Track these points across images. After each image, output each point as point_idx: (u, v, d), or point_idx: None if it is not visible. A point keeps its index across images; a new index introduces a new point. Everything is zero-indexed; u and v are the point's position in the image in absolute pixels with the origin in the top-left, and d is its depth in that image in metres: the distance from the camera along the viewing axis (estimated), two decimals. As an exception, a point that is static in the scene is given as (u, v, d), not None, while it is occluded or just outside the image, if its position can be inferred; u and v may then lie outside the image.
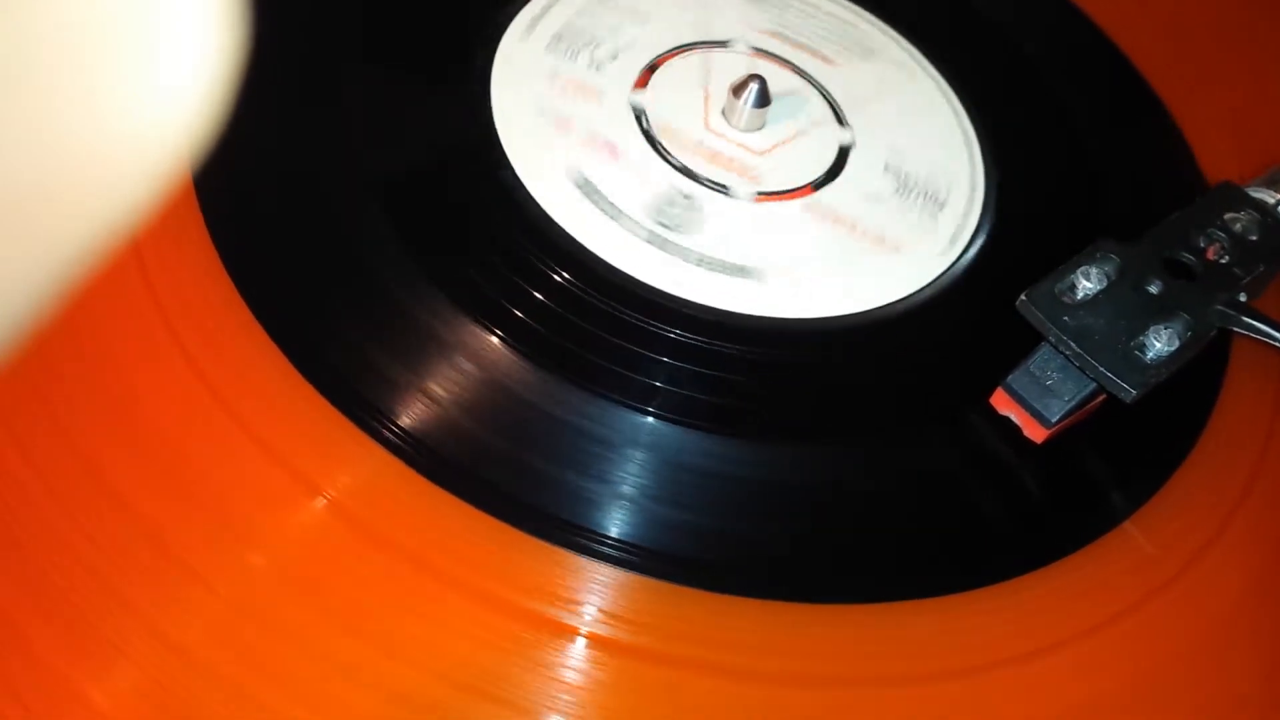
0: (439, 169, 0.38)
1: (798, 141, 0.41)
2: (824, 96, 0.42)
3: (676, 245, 0.37)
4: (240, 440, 0.31)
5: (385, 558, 0.30)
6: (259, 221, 0.36)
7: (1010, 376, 0.35)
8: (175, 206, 0.34)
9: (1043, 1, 0.50)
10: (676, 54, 0.42)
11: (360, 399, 0.32)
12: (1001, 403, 0.35)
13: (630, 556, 0.31)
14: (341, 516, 0.30)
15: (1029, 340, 0.35)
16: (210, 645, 0.28)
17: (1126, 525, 0.35)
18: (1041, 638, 0.32)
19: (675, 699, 0.30)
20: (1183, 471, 0.36)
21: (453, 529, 0.31)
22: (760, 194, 0.39)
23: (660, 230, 0.37)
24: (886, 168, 0.41)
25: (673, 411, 0.34)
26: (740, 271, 0.37)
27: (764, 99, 0.40)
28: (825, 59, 0.44)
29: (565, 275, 0.35)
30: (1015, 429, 0.35)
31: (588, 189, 0.36)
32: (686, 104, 0.41)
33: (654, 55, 0.42)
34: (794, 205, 0.39)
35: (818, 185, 0.40)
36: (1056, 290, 0.35)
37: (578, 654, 0.30)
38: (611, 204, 0.37)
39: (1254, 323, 0.36)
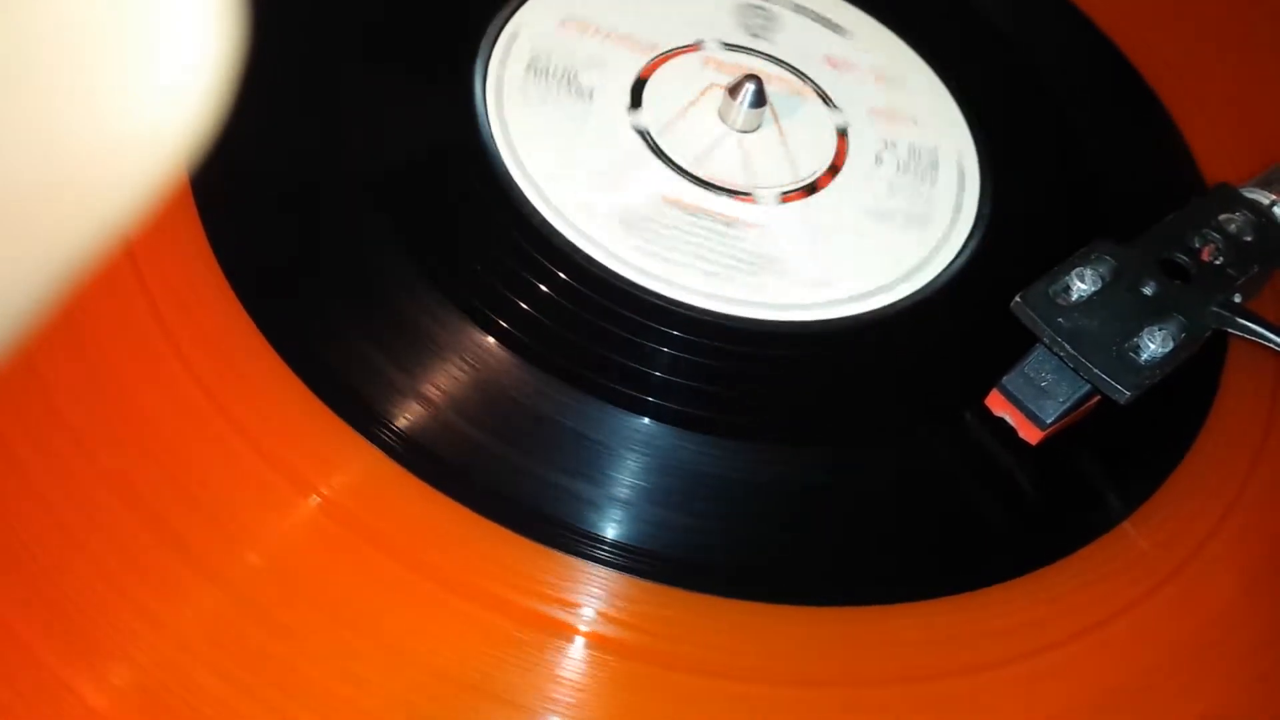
0: (436, 170, 0.38)
1: (797, 134, 0.41)
2: (814, 87, 0.43)
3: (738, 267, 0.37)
4: (236, 441, 0.31)
5: (382, 558, 0.30)
6: (255, 222, 0.36)
7: (1005, 378, 0.35)
8: (171, 207, 0.34)
9: (1041, 1, 0.50)
10: (659, 63, 0.42)
11: (357, 400, 0.32)
12: (997, 404, 0.35)
13: (627, 559, 0.31)
14: (338, 517, 0.30)
15: (1024, 342, 0.35)
16: (208, 645, 0.28)
17: (1124, 526, 0.35)
18: (1039, 638, 0.32)
19: (673, 700, 0.30)
20: (1179, 472, 0.36)
21: (449, 530, 0.31)
22: (785, 194, 0.39)
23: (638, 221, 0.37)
24: (886, 146, 0.42)
25: (669, 413, 0.34)
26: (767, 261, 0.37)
27: (760, 99, 0.40)
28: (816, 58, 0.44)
29: (561, 277, 0.35)
30: (1010, 430, 0.35)
31: (635, 223, 0.37)
32: (688, 115, 0.41)
33: (637, 71, 0.41)
34: (819, 196, 0.40)
35: (834, 171, 0.40)
36: (1051, 291, 0.35)
37: (575, 654, 0.30)
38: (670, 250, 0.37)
39: (1249, 324, 0.36)
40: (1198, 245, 0.37)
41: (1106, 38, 0.48)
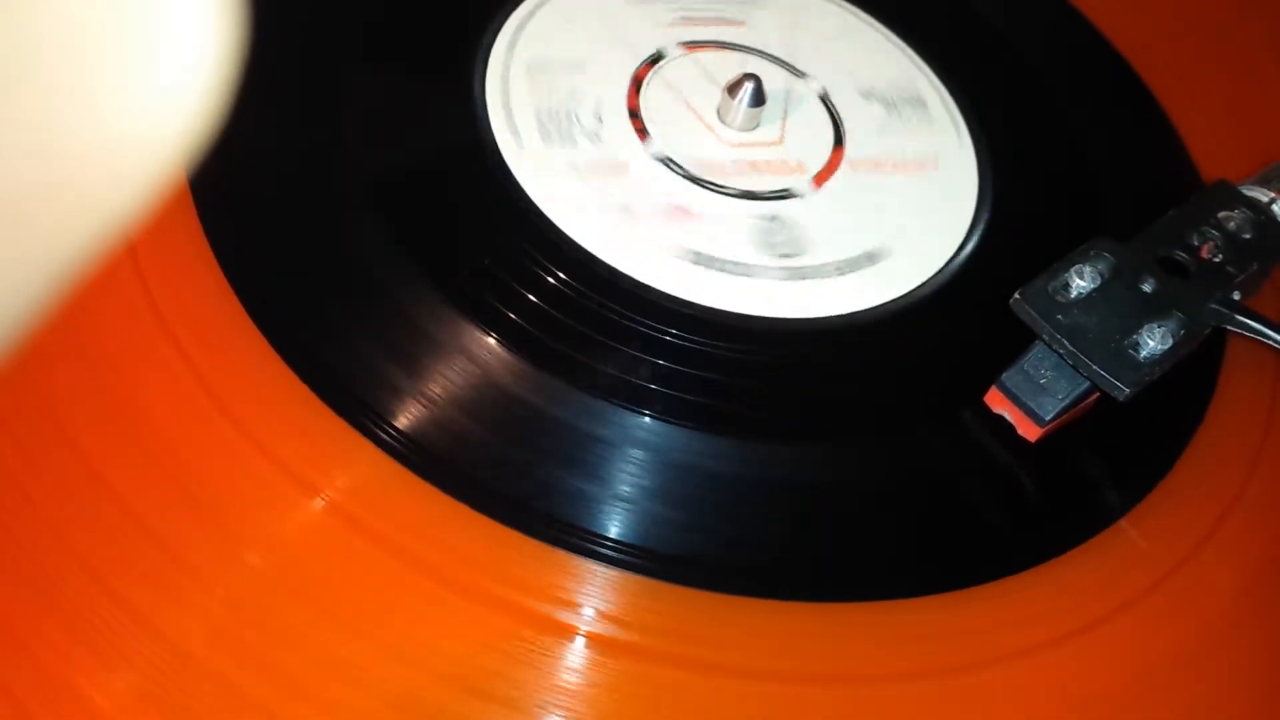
0: (436, 169, 0.38)
1: (794, 119, 0.41)
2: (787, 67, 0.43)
3: (810, 267, 0.37)
4: (238, 441, 0.31)
5: (384, 559, 0.30)
6: (255, 223, 0.36)
7: (1004, 375, 0.35)
8: (171, 208, 0.34)
9: (1039, 0, 0.50)
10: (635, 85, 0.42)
11: (358, 400, 0.32)
12: (995, 401, 0.35)
13: (628, 557, 0.31)
14: (340, 518, 0.30)
15: (1023, 339, 0.35)
16: (209, 646, 0.28)
17: (1122, 523, 0.35)
18: (1037, 635, 0.32)
19: (674, 698, 0.30)
20: (1178, 469, 0.36)
21: (451, 530, 0.31)
22: (814, 178, 0.40)
23: (786, 262, 0.37)
24: (870, 95, 0.42)
25: (670, 412, 0.34)
26: (868, 258, 0.38)
27: (759, 97, 0.40)
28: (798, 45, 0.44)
29: (562, 276, 0.35)
30: (1009, 428, 0.35)
31: (701, 259, 0.37)
32: (688, 128, 0.41)
33: (620, 97, 0.41)
34: (842, 172, 0.40)
35: (839, 144, 0.41)
36: (1050, 288, 0.35)
37: (577, 653, 0.30)
38: (732, 262, 0.37)
39: (1248, 321, 0.36)
40: (1197, 243, 0.37)
41: (1104, 37, 0.48)
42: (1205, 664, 0.33)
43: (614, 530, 0.32)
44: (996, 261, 0.39)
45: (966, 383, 0.36)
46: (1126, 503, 0.35)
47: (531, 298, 0.35)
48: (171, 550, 0.29)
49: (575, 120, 0.39)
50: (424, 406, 0.33)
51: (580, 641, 0.30)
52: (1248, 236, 0.38)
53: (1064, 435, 0.35)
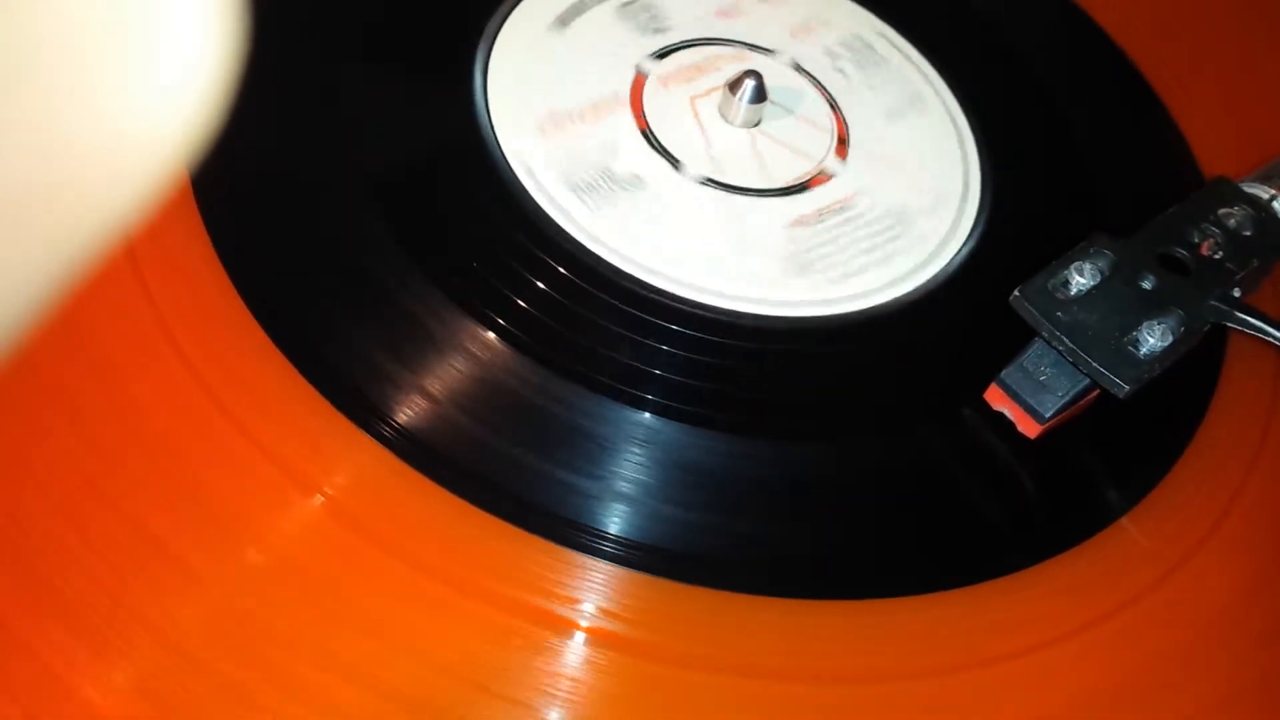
0: (436, 167, 0.38)
1: (800, 118, 0.42)
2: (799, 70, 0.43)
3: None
4: (238, 438, 0.31)
5: (383, 555, 0.30)
6: (256, 221, 0.36)
7: (1004, 372, 0.35)
8: (172, 207, 0.34)
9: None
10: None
11: (358, 397, 0.32)
12: (995, 398, 0.35)
13: (628, 553, 0.31)
14: (340, 514, 0.30)
15: (1023, 336, 0.35)
16: (208, 643, 0.28)
17: (1123, 521, 0.35)
18: (1038, 633, 0.33)
19: (673, 694, 0.30)
20: (1178, 467, 0.36)
21: (451, 526, 0.31)
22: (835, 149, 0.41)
23: (805, 254, 0.38)
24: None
25: (671, 408, 0.34)
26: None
27: (760, 94, 0.40)
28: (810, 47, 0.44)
29: (562, 272, 0.36)
30: (1009, 425, 0.35)
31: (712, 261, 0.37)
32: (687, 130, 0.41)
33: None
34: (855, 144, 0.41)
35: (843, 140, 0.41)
36: (1050, 286, 0.35)
37: (577, 649, 0.30)
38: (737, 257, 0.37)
39: (1248, 318, 0.36)
40: (1197, 240, 0.37)
41: (1105, 34, 0.48)
42: (1206, 662, 0.33)
43: (614, 527, 0.32)
44: (997, 258, 0.39)
45: (967, 380, 0.36)
46: (1127, 501, 0.35)
47: (531, 294, 0.35)
48: (171, 548, 0.29)
49: (609, 177, 0.38)
50: (425, 403, 0.33)
51: (580, 638, 0.30)
52: (1248, 233, 0.38)
53: (1064, 433, 0.35)
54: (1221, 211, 0.38)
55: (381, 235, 0.35)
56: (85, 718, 0.27)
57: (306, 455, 0.31)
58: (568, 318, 0.35)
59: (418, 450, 0.32)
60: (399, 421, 0.32)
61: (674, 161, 0.39)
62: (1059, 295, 0.35)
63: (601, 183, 0.38)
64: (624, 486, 0.32)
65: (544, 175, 0.38)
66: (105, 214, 0.14)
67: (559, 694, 0.29)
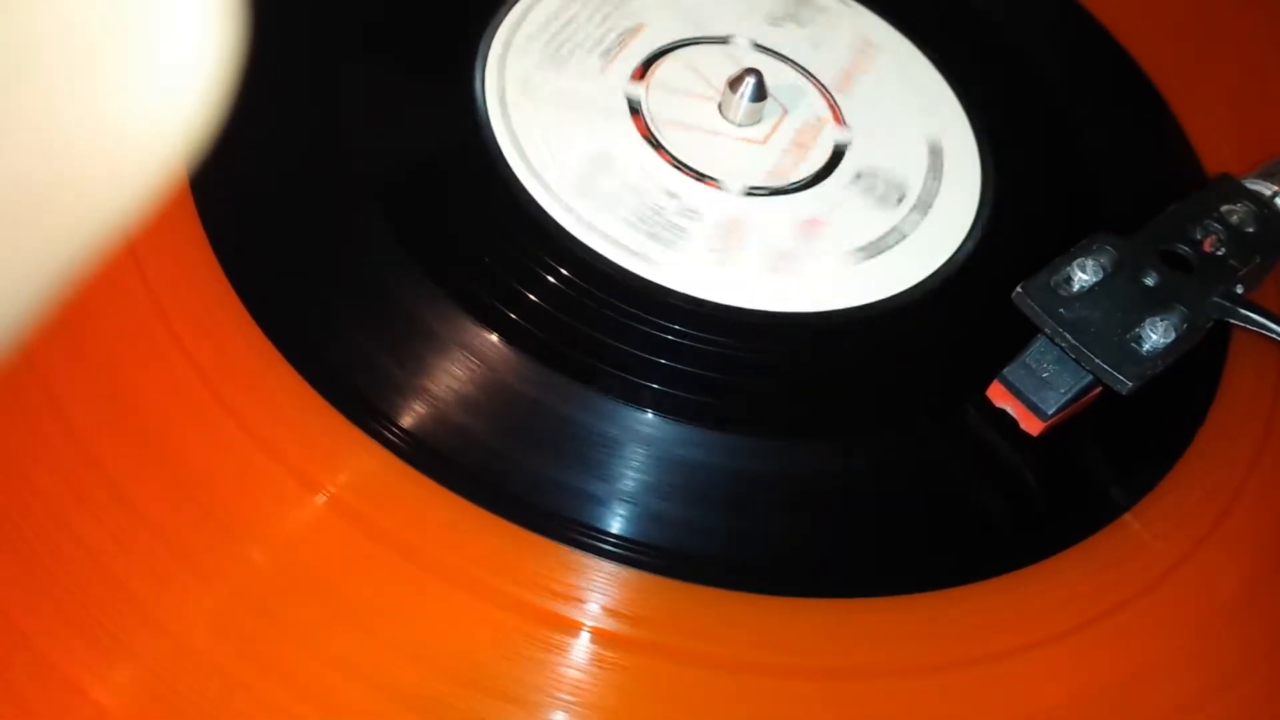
0: (436, 167, 0.38)
1: (793, 118, 0.42)
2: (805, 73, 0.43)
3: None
4: (240, 438, 0.31)
5: (386, 554, 0.30)
6: (256, 221, 0.36)
7: (1006, 369, 0.35)
8: (171, 206, 0.34)
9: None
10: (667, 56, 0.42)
11: (359, 397, 0.32)
12: (998, 395, 0.35)
13: (630, 552, 0.31)
14: (343, 513, 0.31)
15: (1026, 333, 0.35)
16: (212, 642, 0.28)
17: (1126, 517, 0.35)
18: (1041, 630, 0.33)
19: (676, 693, 0.30)
20: (1182, 464, 0.36)
21: (454, 526, 0.31)
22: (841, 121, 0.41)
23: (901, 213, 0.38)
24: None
25: (673, 407, 0.34)
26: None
27: (760, 93, 0.40)
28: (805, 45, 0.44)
29: (563, 273, 0.36)
30: (1012, 422, 0.35)
31: (730, 234, 0.37)
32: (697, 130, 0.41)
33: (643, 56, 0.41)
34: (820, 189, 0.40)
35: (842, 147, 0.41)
36: (1052, 282, 0.35)
37: (580, 649, 0.30)
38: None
39: (1251, 315, 0.36)
40: (1199, 236, 0.37)
41: (1106, 31, 0.48)
42: (1210, 659, 0.33)
43: (617, 526, 0.32)
44: (999, 255, 0.39)
45: (969, 377, 0.36)
46: (1130, 497, 0.35)
47: (534, 294, 0.35)
48: (175, 547, 0.29)
49: (661, 213, 0.38)
50: (426, 403, 0.33)
51: (584, 637, 0.30)
52: (1250, 230, 0.38)
53: (1067, 430, 0.35)
54: (1224, 208, 0.38)
55: (381, 233, 0.35)
56: (87, 715, 0.27)
57: (308, 454, 0.31)
58: (571, 317, 0.35)
59: (418, 449, 0.32)
60: (399, 421, 0.32)
61: (678, 164, 0.39)
62: (1061, 292, 0.35)
63: (600, 181, 0.38)
64: (626, 485, 0.32)
65: (545, 174, 0.38)
66: (105, 214, 0.14)
67: (562, 692, 0.29)
